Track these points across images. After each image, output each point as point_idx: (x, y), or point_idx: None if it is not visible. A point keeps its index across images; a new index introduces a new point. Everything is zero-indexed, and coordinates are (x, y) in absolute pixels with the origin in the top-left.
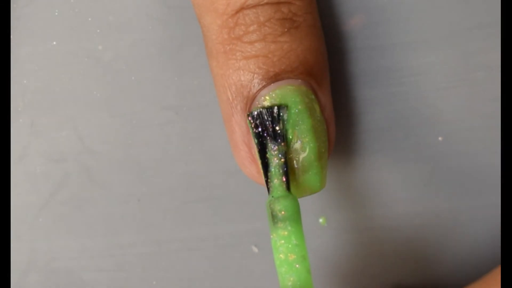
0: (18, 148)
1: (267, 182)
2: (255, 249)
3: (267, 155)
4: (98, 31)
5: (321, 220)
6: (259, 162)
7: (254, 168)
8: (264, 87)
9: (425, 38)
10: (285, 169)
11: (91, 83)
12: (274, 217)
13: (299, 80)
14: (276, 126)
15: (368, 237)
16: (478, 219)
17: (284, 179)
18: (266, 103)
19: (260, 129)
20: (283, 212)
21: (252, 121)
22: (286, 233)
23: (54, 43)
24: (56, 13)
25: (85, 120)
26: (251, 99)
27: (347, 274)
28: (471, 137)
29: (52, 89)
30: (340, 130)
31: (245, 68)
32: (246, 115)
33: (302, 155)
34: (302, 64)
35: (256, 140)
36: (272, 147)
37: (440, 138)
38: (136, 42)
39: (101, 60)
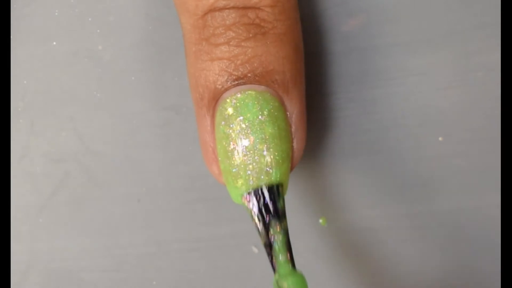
0: (18, 148)
1: (271, 260)
2: (255, 249)
3: (271, 233)
4: (98, 31)
5: (321, 220)
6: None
7: (216, 168)
8: (226, 90)
9: (425, 38)
10: (289, 245)
11: (91, 83)
12: None
13: (262, 86)
14: (278, 203)
15: (368, 237)
16: (478, 219)
17: (288, 256)
18: (227, 107)
19: (262, 208)
20: None
21: (254, 199)
22: None
23: (54, 43)
24: (56, 13)
25: (85, 120)
26: (215, 101)
27: (347, 274)
28: (471, 137)
29: (52, 89)
30: (340, 130)
31: (210, 70)
32: (210, 116)
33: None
34: (266, 71)
35: (258, 218)
36: (276, 224)
37: (440, 138)
38: (136, 42)
39: (101, 60)
